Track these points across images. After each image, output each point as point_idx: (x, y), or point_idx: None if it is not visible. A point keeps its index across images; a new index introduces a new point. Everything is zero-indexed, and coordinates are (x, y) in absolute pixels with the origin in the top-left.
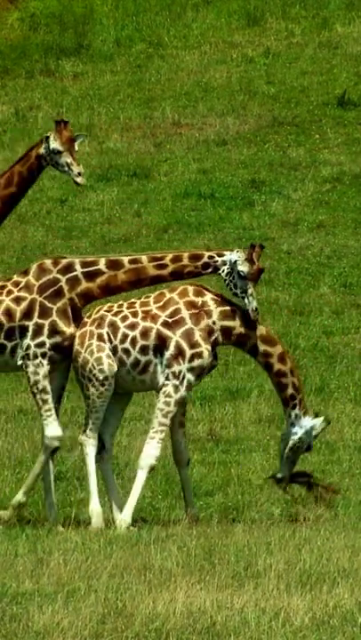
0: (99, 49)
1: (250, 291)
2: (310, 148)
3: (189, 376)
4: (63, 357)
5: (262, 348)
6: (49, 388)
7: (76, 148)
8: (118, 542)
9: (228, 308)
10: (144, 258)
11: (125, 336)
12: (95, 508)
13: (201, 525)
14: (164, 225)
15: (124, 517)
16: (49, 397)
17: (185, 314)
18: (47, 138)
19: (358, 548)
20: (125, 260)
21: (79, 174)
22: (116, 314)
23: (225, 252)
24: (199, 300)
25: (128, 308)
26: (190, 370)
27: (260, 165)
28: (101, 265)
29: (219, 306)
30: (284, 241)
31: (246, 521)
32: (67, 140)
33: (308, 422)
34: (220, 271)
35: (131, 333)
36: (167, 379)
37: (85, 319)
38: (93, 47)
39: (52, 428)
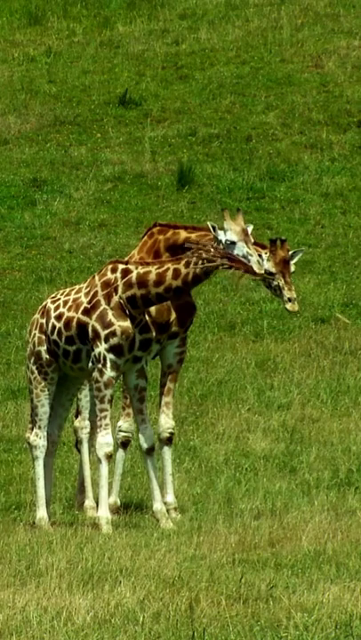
0: None
1: None
2: (92, 147)
3: (111, 356)
4: None
5: (159, 291)
6: None
7: (292, 268)
8: None
9: (127, 277)
10: None
11: (54, 327)
12: (44, 515)
13: None
14: None
15: (100, 514)
16: None
17: (100, 295)
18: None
19: (140, 546)
20: None
21: (290, 300)
22: (53, 301)
23: None
24: (113, 276)
25: (66, 295)
26: (109, 350)
27: (41, 164)
28: None
29: (123, 277)
30: (66, 240)
31: (28, 520)
32: (280, 261)
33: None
34: None
35: (57, 324)
36: (92, 363)
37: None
38: None
39: None
